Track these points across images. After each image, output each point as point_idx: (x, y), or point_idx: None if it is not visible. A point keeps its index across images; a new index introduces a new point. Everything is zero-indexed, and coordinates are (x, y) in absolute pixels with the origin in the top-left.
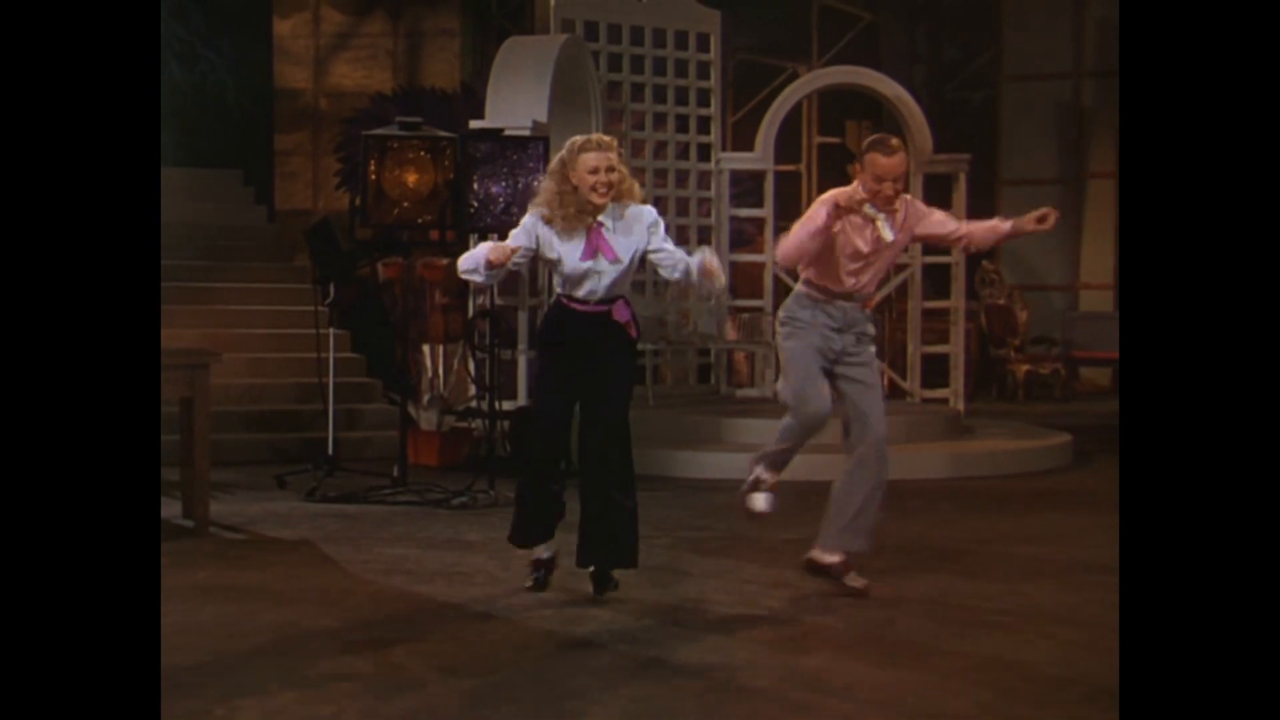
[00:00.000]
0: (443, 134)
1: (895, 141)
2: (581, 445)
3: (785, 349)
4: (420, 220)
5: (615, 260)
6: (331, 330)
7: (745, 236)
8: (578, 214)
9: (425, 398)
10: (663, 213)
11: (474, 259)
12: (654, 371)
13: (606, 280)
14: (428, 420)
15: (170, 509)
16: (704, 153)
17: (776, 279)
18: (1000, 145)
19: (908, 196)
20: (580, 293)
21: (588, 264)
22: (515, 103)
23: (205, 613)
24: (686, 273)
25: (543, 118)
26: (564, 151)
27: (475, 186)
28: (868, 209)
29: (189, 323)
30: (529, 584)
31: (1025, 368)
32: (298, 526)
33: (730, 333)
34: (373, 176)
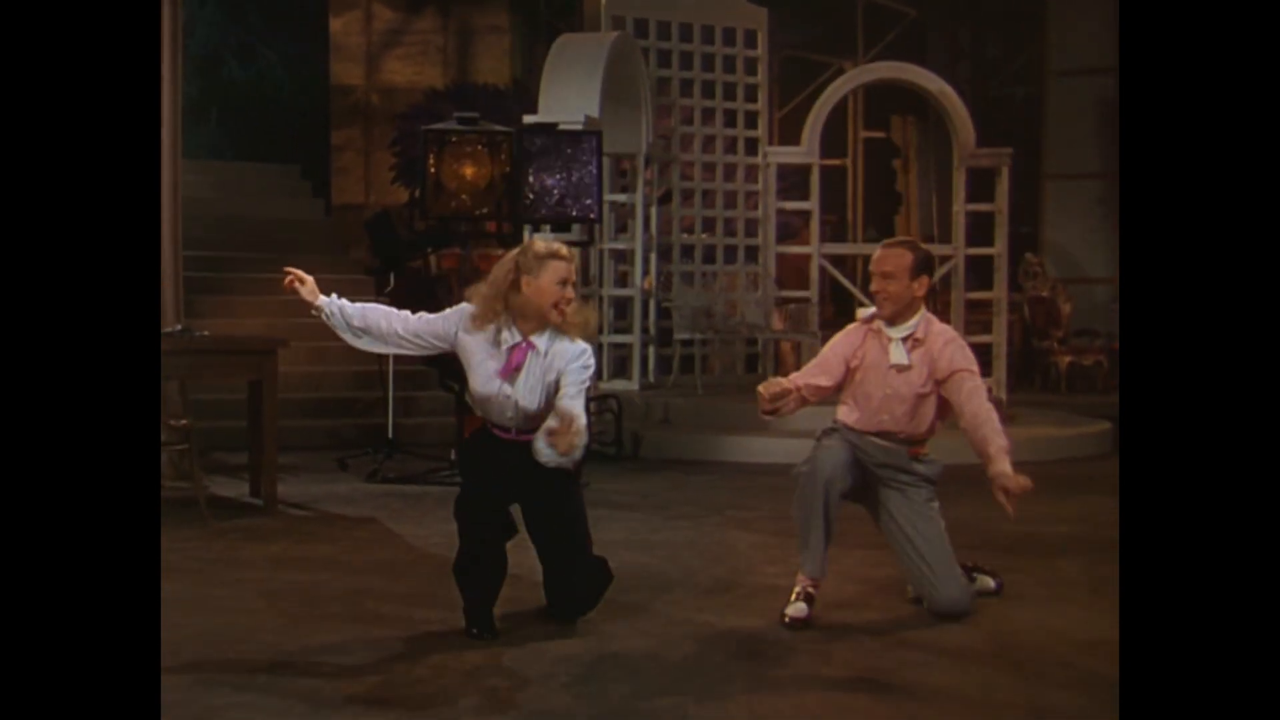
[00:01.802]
0: (500, 128)
1: (901, 240)
2: (551, 586)
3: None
4: (478, 212)
5: (529, 389)
6: None
7: (791, 229)
8: (522, 320)
9: None
10: (710, 205)
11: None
12: (702, 361)
13: (519, 410)
14: None
15: (238, 489)
16: (751, 147)
17: (822, 270)
18: (1044, 140)
19: (936, 326)
20: (494, 418)
21: (500, 385)
22: (568, 98)
23: (280, 580)
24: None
25: (594, 112)
26: (519, 255)
27: (531, 179)
28: (880, 323)
29: (252, 313)
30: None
31: (1068, 359)
32: (362, 505)
33: (777, 323)
34: (432, 170)
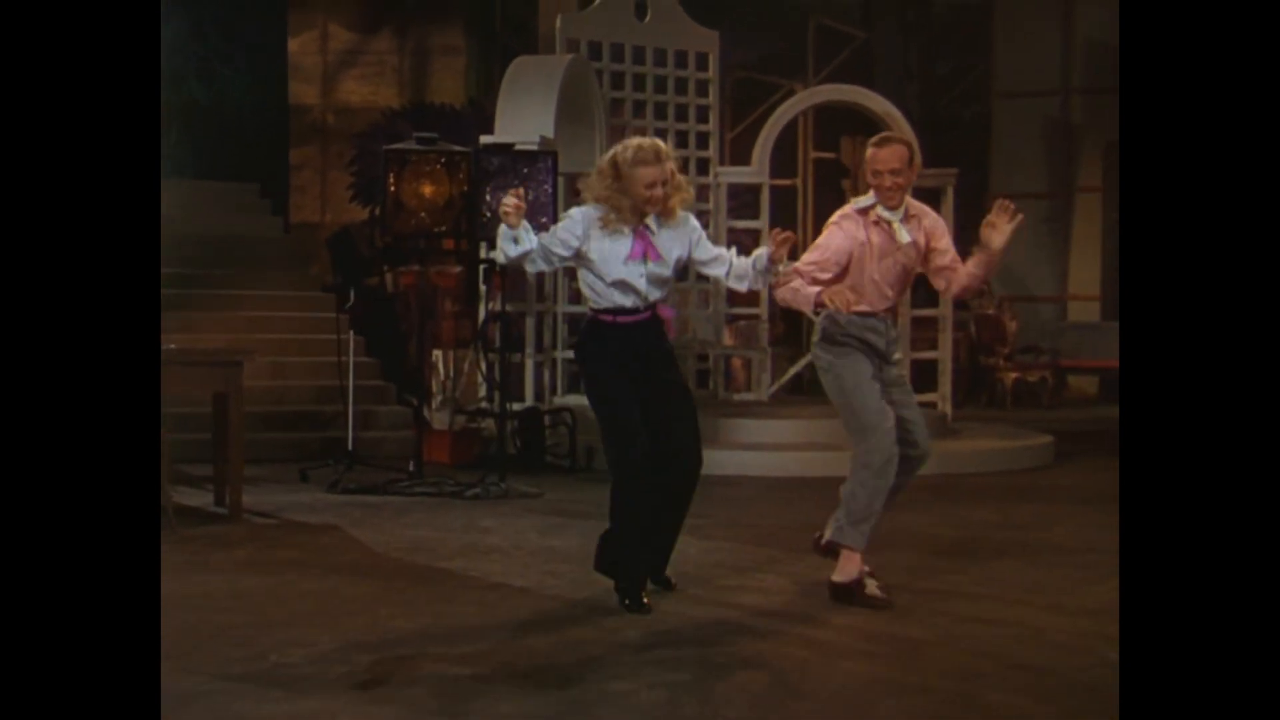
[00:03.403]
0: (458, 148)
1: (891, 134)
2: (664, 470)
3: (839, 380)
4: (436, 230)
5: (660, 261)
6: (352, 334)
7: (742, 248)
8: (631, 214)
9: (437, 399)
10: None
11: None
12: None
13: (653, 281)
14: (439, 420)
15: (202, 499)
16: (703, 167)
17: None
18: (991, 160)
19: (925, 208)
20: (628, 301)
21: (634, 266)
22: (524, 119)
23: (248, 582)
24: (749, 274)
25: (550, 133)
26: (618, 154)
27: (488, 198)
28: (880, 210)
29: (214, 328)
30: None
31: (1014, 376)
32: (324, 514)
33: (727, 339)
34: (392, 188)
